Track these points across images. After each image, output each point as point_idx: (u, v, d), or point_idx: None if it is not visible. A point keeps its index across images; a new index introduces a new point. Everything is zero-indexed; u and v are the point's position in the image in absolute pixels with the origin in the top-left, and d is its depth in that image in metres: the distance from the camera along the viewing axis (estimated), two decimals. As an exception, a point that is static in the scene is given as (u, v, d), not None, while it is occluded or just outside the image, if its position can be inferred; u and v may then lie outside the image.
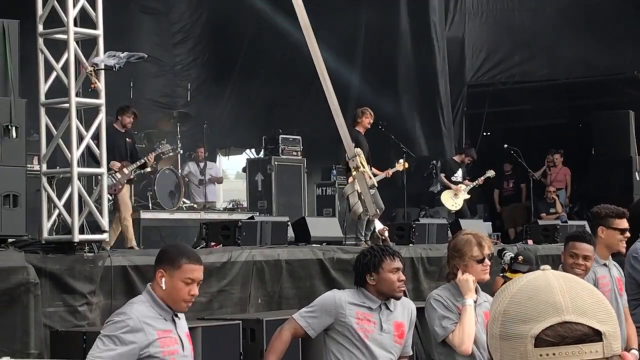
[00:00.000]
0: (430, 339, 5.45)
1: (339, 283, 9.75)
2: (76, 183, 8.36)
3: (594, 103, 18.24)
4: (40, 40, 8.69)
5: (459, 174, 15.96)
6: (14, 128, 8.32)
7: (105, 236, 8.58)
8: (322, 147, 16.70)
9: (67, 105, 8.48)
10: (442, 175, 16.01)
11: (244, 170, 16.32)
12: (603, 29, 17.84)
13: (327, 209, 16.01)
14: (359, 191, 11.40)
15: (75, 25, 8.59)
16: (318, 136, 16.73)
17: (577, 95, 18.50)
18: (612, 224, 6.17)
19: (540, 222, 15.06)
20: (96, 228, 8.56)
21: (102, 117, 8.69)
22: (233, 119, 19.01)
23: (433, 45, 17.48)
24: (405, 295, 5.45)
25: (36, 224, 8.69)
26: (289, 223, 11.15)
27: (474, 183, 15.79)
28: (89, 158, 9.01)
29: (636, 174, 15.94)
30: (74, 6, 8.55)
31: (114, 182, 11.22)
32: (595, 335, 1.58)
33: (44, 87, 8.64)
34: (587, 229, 6.61)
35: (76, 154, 8.40)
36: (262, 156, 16.43)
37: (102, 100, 8.67)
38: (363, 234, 11.88)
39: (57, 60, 8.59)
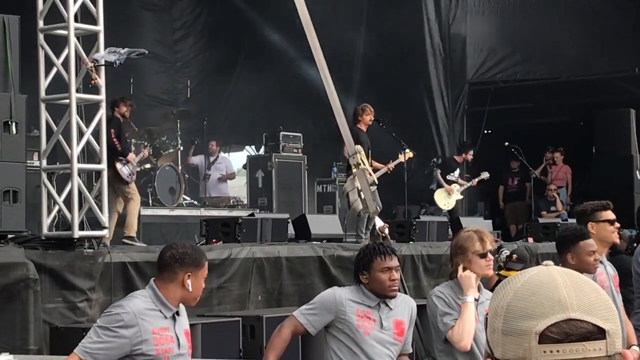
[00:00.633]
0: (431, 337, 5.43)
1: (339, 280, 9.73)
2: (76, 179, 8.36)
3: (595, 101, 18.20)
4: (41, 36, 8.67)
5: (456, 174, 15.89)
6: (14, 124, 8.31)
7: (105, 232, 8.57)
8: (323, 144, 16.69)
9: (67, 101, 8.47)
10: (438, 172, 15.97)
11: (244, 167, 16.32)
12: (604, 27, 17.82)
13: (327, 206, 16.01)
14: (359, 188, 11.38)
15: (76, 21, 8.57)
16: (318, 133, 16.71)
17: (578, 93, 18.45)
18: (600, 217, 6.26)
19: (541, 220, 15.03)
20: (96, 224, 8.55)
21: (102, 113, 8.68)
22: (234, 116, 19.00)
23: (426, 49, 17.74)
24: (406, 293, 5.43)
25: (36, 220, 8.69)
26: (289, 220, 11.14)
27: (468, 184, 15.76)
28: (98, 153, 9.00)
29: (637, 172, 15.91)
30: (75, 2, 8.53)
31: (130, 171, 11.48)
32: (599, 333, 1.57)
33: (44, 83, 8.62)
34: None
35: (76, 150, 8.39)
36: (262, 153, 16.43)
37: (102, 96, 8.66)
38: (363, 231, 11.86)
39: (58, 56, 8.57)
